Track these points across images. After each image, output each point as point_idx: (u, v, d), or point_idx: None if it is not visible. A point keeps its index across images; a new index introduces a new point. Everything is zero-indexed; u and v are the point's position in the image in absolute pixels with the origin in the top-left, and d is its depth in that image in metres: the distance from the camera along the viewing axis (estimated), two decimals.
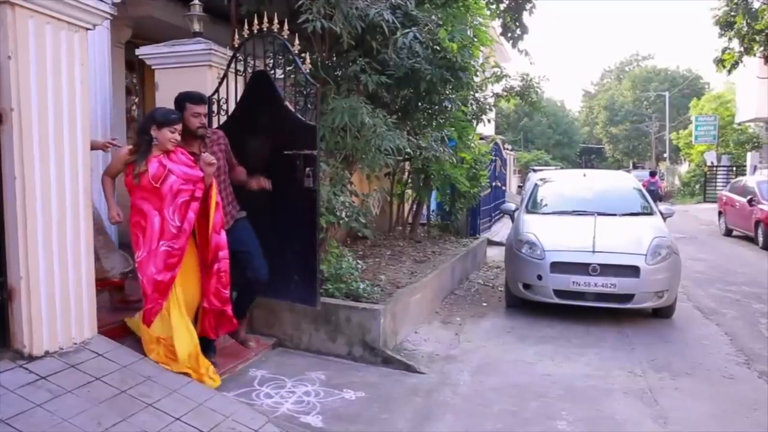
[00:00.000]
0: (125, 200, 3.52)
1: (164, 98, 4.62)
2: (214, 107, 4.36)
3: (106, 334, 3.35)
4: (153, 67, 4.73)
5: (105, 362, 3.03)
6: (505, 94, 8.66)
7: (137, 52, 4.79)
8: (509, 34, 9.81)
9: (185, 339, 3.37)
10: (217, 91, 4.34)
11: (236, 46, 4.21)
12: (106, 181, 3.52)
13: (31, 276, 2.84)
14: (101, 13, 3.17)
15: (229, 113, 4.32)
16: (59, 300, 2.99)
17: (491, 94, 8.78)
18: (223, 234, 3.50)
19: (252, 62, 4.22)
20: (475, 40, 6.38)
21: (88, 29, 3.14)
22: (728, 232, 13.04)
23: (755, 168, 20.90)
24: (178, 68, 4.56)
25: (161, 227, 3.31)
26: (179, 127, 3.39)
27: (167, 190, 3.32)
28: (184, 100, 3.61)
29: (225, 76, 4.28)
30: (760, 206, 11.09)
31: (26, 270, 2.83)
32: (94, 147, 3.75)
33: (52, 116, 2.92)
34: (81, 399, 2.66)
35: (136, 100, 7.42)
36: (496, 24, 10.05)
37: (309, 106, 4.02)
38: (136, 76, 7.31)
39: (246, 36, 4.11)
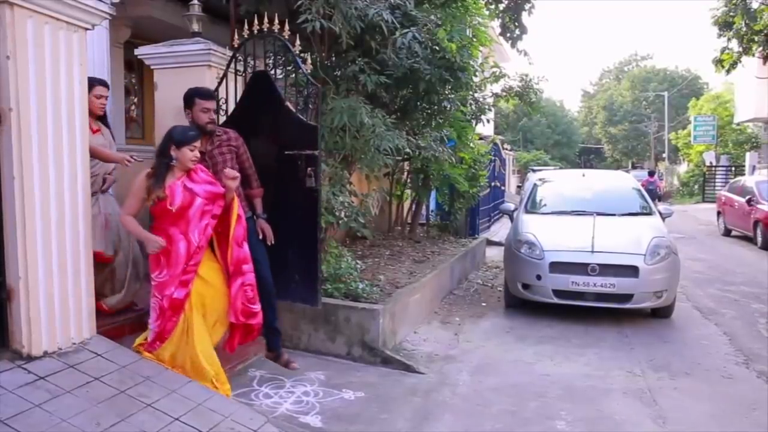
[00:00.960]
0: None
1: (163, 98, 4.63)
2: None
3: (105, 334, 3.34)
4: (152, 67, 4.73)
5: (104, 362, 3.03)
6: (504, 94, 8.67)
7: (136, 52, 4.79)
8: (508, 35, 9.82)
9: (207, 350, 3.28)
10: (216, 91, 4.33)
11: (236, 46, 4.21)
12: (128, 221, 3.25)
13: (30, 276, 2.84)
14: (100, 13, 3.17)
15: (229, 113, 4.31)
16: (58, 300, 2.98)
17: (490, 94, 8.77)
18: (246, 247, 3.39)
19: (252, 62, 4.21)
20: (474, 40, 6.38)
21: (87, 29, 3.14)
22: (727, 232, 13.05)
23: (754, 168, 20.96)
24: (177, 68, 4.56)
25: (187, 251, 3.19)
26: (198, 144, 3.28)
27: (193, 214, 3.21)
28: (193, 95, 3.60)
29: (224, 76, 4.28)
30: (758, 206, 11.11)
31: (25, 270, 2.82)
32: (111, 159, 3.70)
33: (51, 116, 2.92)
34: (80, 399, 2.66)
35: (135, 100, 7.42)
36: (495, 24, 10.06)
37: (310, 106, 4.01)
38: (135, 76, 7.31)
39: (246, 36, 4.10)
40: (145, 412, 2.73)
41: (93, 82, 3.65)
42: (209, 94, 3.65)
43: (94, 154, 3.55)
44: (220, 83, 4.31)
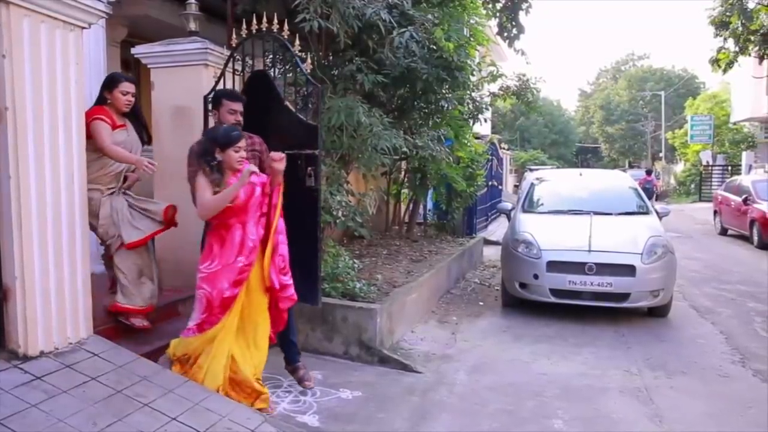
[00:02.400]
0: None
1: (160, 97, 4.62)
2: (211, 106, 4.35)
3: (102, 333, 3.33)
4: (148, 66, 4.71)
5: (101, 362, 3.02)
6: (501, 93, 8.68)
7: (133, 51, 4.77)
8: (505, 34, 9.80)
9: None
10: (213, 90, 4.32)
11: (234, 45, 4.20)
12: (209, 212, 3.17)
13: (27, 276, 2.83)
14: (96, 12, 3.16)
15: None
16: (55, 300, 2.98)
17: (488, 94, 8.79)
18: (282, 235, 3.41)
19: (250, 62, 4.21)
20: (472, 39, 6.39)
21: (83, 28, 3.13)
22: (723, 232, 13.09)
23: (750, 167, 21.02)
24: (173, 67, 4.55)
25: (241, 241, 3.19)
26: (243, 144, 3.24)
27: (251, 206, 3.23)
28: (220, 96, 3.61)
29: (222, 75, 4.27)
30: (755, 205, 11.14)
31: (21, 270, 2.81)
32: (124, 159, 3.58)
33: (48, 115, 2.91)
34: (76, 399, 2.65)
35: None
36: (493, 23, 10.06)
37: (310, 105, 4.01)
38: (132, 75, 7.28)
39: (244, 35, 4.09)
40: (142, 412, 2.72)
41: (119, 78, 3.64)
42: (237, 96, 3.63)
43: (107, 152, 3.49)
44: (217, 82, 4.29)
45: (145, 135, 3.89)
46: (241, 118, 3.60)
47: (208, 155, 3.16)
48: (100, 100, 3.64)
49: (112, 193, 3.62)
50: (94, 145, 3.45)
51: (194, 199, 3.28)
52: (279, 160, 3.27)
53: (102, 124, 3.49)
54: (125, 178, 3.74)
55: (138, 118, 3.82)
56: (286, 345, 3.73)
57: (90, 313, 3.23)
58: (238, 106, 3.59)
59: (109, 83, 3.64)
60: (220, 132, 3.24)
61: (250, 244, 3.22)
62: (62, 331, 3.02)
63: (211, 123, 3.98)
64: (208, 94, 4.32)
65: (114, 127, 3.56)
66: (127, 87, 3.63)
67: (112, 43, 6.16)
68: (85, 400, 2.67)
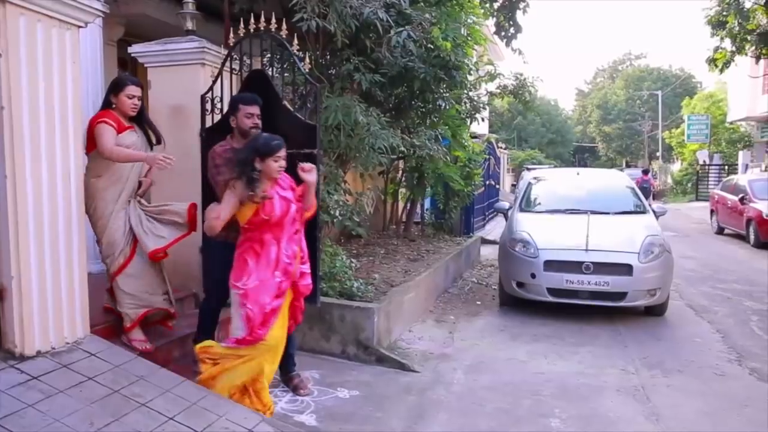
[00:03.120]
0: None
1: (157, 96, 4.61)
2: (208, 106, 4.34)
3: (98, 333, 3.33)
4: (145, 66, 4.70)
5: (98, 362, 3.01)
6: (498, 92, 8.69)
7: (129, 50, 4.76)
8: (503, 33, 9.81)
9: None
10: (210, 89, 4.31)
11: (231, 44, 4.19)
12: (219, 226, 3.09)
13: (23, 275, 2.82)
14: (93, 11, 3.15)
15: (224, 112, 4.29)
16: (51, 299, 2.97)
17: (485, 93, 8.79)
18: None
19: (248, 61, 4.20)
20: (469, 38, 6.39)
21: (79, 27, 3.12)
22: (720, 231, 13.12)
23: (746, 167, 21.08)
24: (170, 66, 4.54)
25: (276, 258, 3.13)
26: (283, 153, 3.16)
27: (287, 221, 3.17)
28: (236, 101, 3.58)
29: (219, 74, 4.26)
30: (751, 205, 11.17)
31: (18, 269, 2.80)
32: (132, 158, 3.49)
33: (44, 115, 2.90)
34: (73, 399, 2.65)
35: None
36: (490, 23, 10.06)
37: (308, 105, 4.00)
38: (129, 74, 7.27)
39: (242, 34, 4.09)
40: (139, 411, 2.72)
41: (125, 81, 3.55)
42: (252, 99, 3.59)
43: (111, 154, 3.37)
44: (214, 82, 4.29)
45: (153, 136, 3.76)
46: (258, 121, 3.56)
47: (248, 165, 3.05)
48: (106, 104, 3.55)
49: (126, 203, 3.52)
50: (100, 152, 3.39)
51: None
52: (309, 170, 3.18)
53: (105, 126, 3.38)
54: (139, 185, 3.65)
55: (144, 121, 3.70)
56: (284, 357, 3.72)
57: (87, 313, 3.22)
58: (255, 109, 3.55)
59: (115, 86, 3.54)
60: (261, 141, 3.14)
61: (286, 260, 3.16)
62: (59, 330, 3.01)
63: (205, 122, 3.97)
64: (206, 93, 4.31)
65: (121, 129, 3.45)
66: (134, 90, 3.53)
67: (109, 42, 6.15)
68: (82, 400, 2.66)
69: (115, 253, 3.49)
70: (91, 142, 3.42)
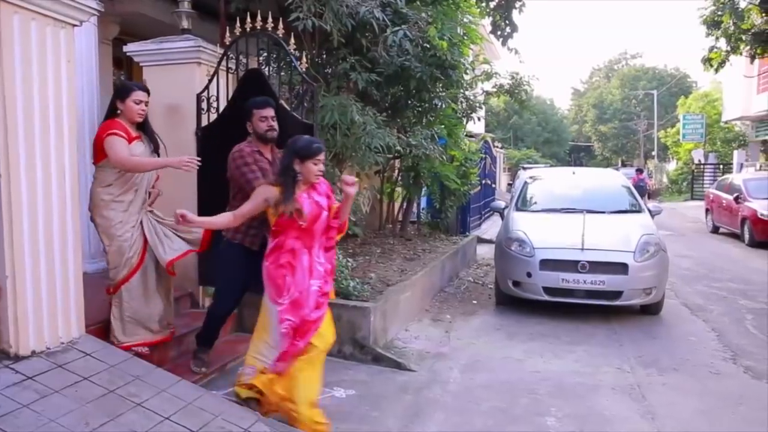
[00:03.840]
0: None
1: (152, 95, 4.56)
2: (203, 105, 4.33)
3: (94, 333, 3.32)
4: (141, 65, 4.69)
5: (93, 362, 3.00)
6: (494, 91, 8.70)
7: (125, 49, 4.74)
8: (499, 32, 9.83)
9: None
10: (206, 88, 4.31)
11: (227, 43, 4.19)
12: (236, 220, 3.09)
13: (18, 275, 2.81)
14: (88, 10, 3.13)
15: (220, 111, 4.28)
16: (46, 299, 2.96)
17: (481, 92, 8.80)
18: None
19: (244, 60, 4.19)
20: (465, 38, 6.39)
21: (74, 26, 3.11)
22: (715, 230, 13.17)
23: (741, 166, 21.14)
24: (166, 65, 4.53)
25: (309, 265, 3.06)
26: (323, 157, 3.11)
27: (317, 228, 3.08)
28: (250, 106, 3.54)
29: (215, 73, 4.25)
30: (746, 204, 11.21)
31: (12, 269, 2.79)
32: (156, 166, 3.45)
33: (38, 114, 2.89)
34: (68, 399, 2.64)
35: None
36: (486, 22, 10.07)
37: (305, 104, 4.00)
38: (124, 73, 7.24)
39: (238, 34, 4.08)
40: (135, 411, 2.71)
41: (131, 87, 3.48)
42: (265, 102, 3.58)
43: (128, 166, 3.34)
44: (210, 81, 4.28)
45: (157, 145, 3.68)
46: (274, 123, 3.54)
47: (289, 169, 3.00)
48: (112, 111, 3.48)
49: (136, 214, 3.46)
50: (112, 163, 3.34)
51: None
52: (351, 184, 3.11)
53: (116, 138, 3.32)
54: (148, 195, 3.60)
55: (147, 127, 3.62)
56: None
57: (82, 313, 3.21)
58: (269, 112, 3.53)
59: (121, 92, 3.47)
60: (300, 144, 3.07)
61: (320, 269, 3.10)
62: (54, 330, 3.00)
63: (200, 121, 3.95)
64: (201, 92, 4.31)
65: (130, 140, 3.38)
66: (140, 96, 3.46)
67: (104, 41, 6.12)
68: (77, 399, 2.65)
69: (120, 264, 3.43)
70: (100, 153, 3.36)
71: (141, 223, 3.49)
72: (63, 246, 3.06)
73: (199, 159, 3.48)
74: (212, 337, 3.77)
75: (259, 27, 3.99)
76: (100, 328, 3.52)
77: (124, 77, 7.26)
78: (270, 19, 3.99)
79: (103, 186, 3.39)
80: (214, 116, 4.33)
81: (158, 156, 3.62)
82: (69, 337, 3.09)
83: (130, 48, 4.68)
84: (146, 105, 3.50)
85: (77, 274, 3.18)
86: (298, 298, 3.02)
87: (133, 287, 3.47)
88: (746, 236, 11.06)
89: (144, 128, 3.57)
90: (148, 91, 3.55)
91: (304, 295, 3.03)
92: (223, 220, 3.13)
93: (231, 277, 3.56)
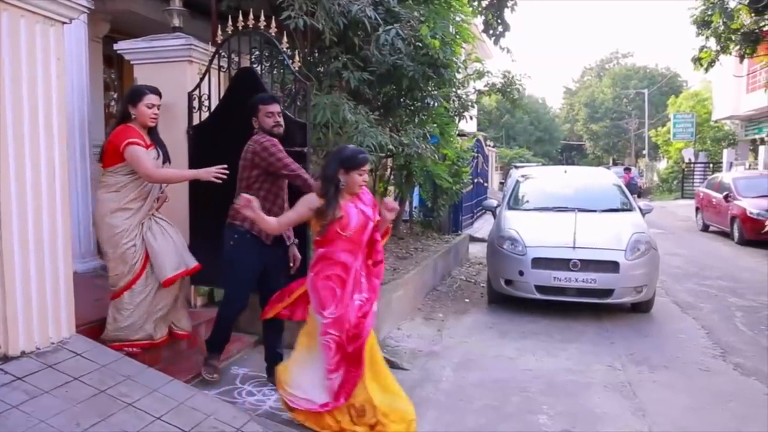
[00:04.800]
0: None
1: None
2: (195, 103, 4.31)
3: (85, 333, 3.29)
4: (132, 63, 4.65)
5: (83, 362, 2.98)
6: (486, 90, 8.71)
7: (115, 47, 4.71)
8: (491, 31, 9.84)
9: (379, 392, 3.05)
10: (198, 87, 4.28)
11: (219, 41, 4.17)
12: (280, 227, 3.06)
13: (7, 275, 2.78)
14: (78, 7, 3.11)
15: (212, 110, 4.27)
16: (36, 299, 2.93)
17: (473, 91, 8.81)
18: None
19: (236, 59, 4.18)
20: (457, 36, 6.39)
21: (64, 23, 3.08)
22: (705, 228, 13.27)
23: (731, 165, 21.31)
24: (157, 63, 4.49)
25: (355, 278, 3.01)
26: (368, 167, 3.07)
27: (364, 238, 3.04)
28: (256, 102, 3.50)
29: (207, 71, 4.23)
30: (735, 202, 11.30)
31: (1, 269, 2.76)
32: (184, 178, 3.41)
33: (27, 112, 2.86)
34: (58, 399, 2.62)
35: (115, 95, 7.31)
36: (478, 21, 10.08)
37: (298, 103, 3.99)
38: (115, 71, 7.20)
39: (230, 32, 4.06)
40: (126, 411, 2.69)
41: (143, 90, 3.38)
42: (271, 98, 3.55)
43: (157, 179, 3.28)
44: (202, 79, 4.26)
45: (164, 154, 3.57)
46: (280, 119, 3.52)
47: (333, 178, 2.95)
48: (124, 116, 3.40)
49: (144, 219, 3.41)
50: (126, 170, 3.28)
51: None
52: (391, 210, 3.09)
53: (140, 149, 3.25)
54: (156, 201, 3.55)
55: (155, 134, 3.54)
56: (273, 357, 3.72)
57: (72, 313, 3.18)
58: (275, 108, 3.50)
59: (133, 96, 3.39)
60: (346, 154, 3.03)
61: (363, 281, 3.05)
62: (44, 330, 2.98)
63: (192, 120, 3.92)
64: (193, 90, 4.29)
65: (146, 147, 3.33)
66: (153, 99, 3.39)
67: (95, 39, 6.08)
68: (67, 400, 2.64)
69: (125, 271, 3.36)
70: (111, 157, 3.30)
71: (144, 227, 3.41)
72: (53, 245, 3.04)
73: (226, 167, 3.40)
74: (224, 341, 3.68)
75: (251, 25, 3.98)
76: (91, 328, 3.50)
77: (115, 76, 7.22)
78: (262, 18, 3.98)
79: (111, 191, 3.31)
80: (205, 115, 4.31)
81: (168, 163, 3.56)
82: (59, 337, 3.06)
83: (120, 46, 4.64)
84: (158, 109, 3.42)
85: (67, 274, 3.15)
86: (344, 313, 2.95)
87: (135, 293, 3.40)
88: (736, 234, 11.15)
89: (152, 134, 3.49)
90: (160, 94, 3.47)
91: (350, 309, 2.96)
92: (270, 223, 3.06)
93: (243, 269, 3.47)
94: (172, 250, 3.46)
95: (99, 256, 4.97)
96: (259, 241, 3.44)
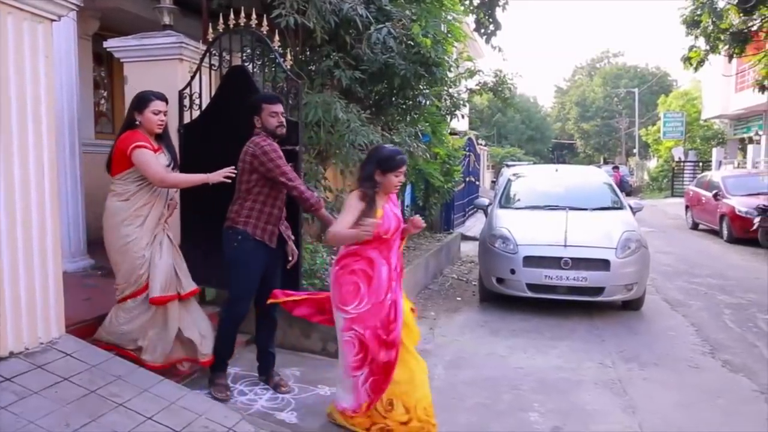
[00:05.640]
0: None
1: (133, 92, 4.50)
2: (186, 102, 4.29)
3: (75, 333, 3.27)
4: (121, 60, 4.63)
5: (73, 362, 2.96)
6: (478, 89, 8.73)
7: (105, 44, 4.68)
8: (482, 30, 9.86)
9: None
10: (189, 85, 4.26)
11: (210, 40, 4.15)
12: (340, 233, 2.94)
13: None
14: (66, 4, 3.08)
15: (203, 108, 4.24)
16: (24, 299, 2.91)
17: (465, 90, 8.82)
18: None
19: (228, 57, 4.16)
20: (449, 35, 6.40)
21: (52, 20, 3.05)
22: (695, 226, 13.37)
23: (720, 163, 21.50)
24: (147, 61, 4.48)
25: (388, 277, 2.99)
26: (404, 169, 3.05)
27: (394, 239, 3.05)
28: (259, 101, 3.44)
29: (198, 70, 4.21)
30: (724, 200, 11.40)
31: None
32: (195, 182, 3.32)
33: (15, 111, 2.83)
34: (48, 400, 2.60)
35: (105, 93, 7.26)
36: (470, 20, 10.10)
37: (290, 102, 3.98)
38: (104, 69, 7.15)
39: (222, 30, 4.04)
40: (117, 411, 2.68)
41: (149, 96, 3.32)
42: (276, 98, 3.51)
43: (167, 183, 3.24)
44: (192, 77, 4.24)
45: (174, 158, 3.51)
46: (283, 119, 3.47)
47: (370, 180, 2.96)
48: (130, 124, 3.32)
49: (156, 230, 3.32)
50: (135, 176, 3.22)
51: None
52: (418, 228, 3.13)
53: (147, 152, 3.18)
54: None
55: (165, 138, 3.46)
56: (265, 356, 3.71)
57: (62, 312, 3.16)
58: (279, 108, 3.45)
59: (138, 103, 3.31)
60: (384, 155, 3.01)
61: (394, 282, 3.04)
62: (33, 331, 2.95)
63: (183, 118, 3.89)
64: (183, 89, 4.27)
65: (154, 152, 3.26)
66: (159, 105, 3.32)
67: (84, 36, 6.04)
68: (57, 401, 2.62)
69: (131, 282, 3.29)
70: (119, 164, 3.23)
71: (157, 241, 3.33)
72: (42, 245, 3.01)
73: (234, 168, 3.36)
74: (228, 354, 3.60)
75: (242, 23, 3.96)
76: (81, 327, 3.48)
77: (105, 73, 7.17)
78: (253, 16, 3.96)
79: (122, 199, 3.24)
80: (196, 113, 4.29)
81: (177, 168, 3.51)
82: (48, 338, 3.04)
83: (110, 44, 4.61)
84: (165, 115, 3.36)
85: (57, 273, 3.13)
86: (370, 309, 2.94)
87: (138, 303, 3.31)
88: (725, 233, 11.24)
89: (163, 139, 3.42)
90: (166, 100, 3.40)
91: (377, 307, 2.95)
92: (333, 229, 3.01)
93: (248, 270, 3.41)
94: (170, 271, 3.36)
95: (89, 256, 4.95)
96: (262, 244, 3.42)
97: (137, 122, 3.30)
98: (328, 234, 3.04)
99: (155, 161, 3.23)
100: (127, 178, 3.24)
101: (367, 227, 2.82)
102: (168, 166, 3.38)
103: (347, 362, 3.02)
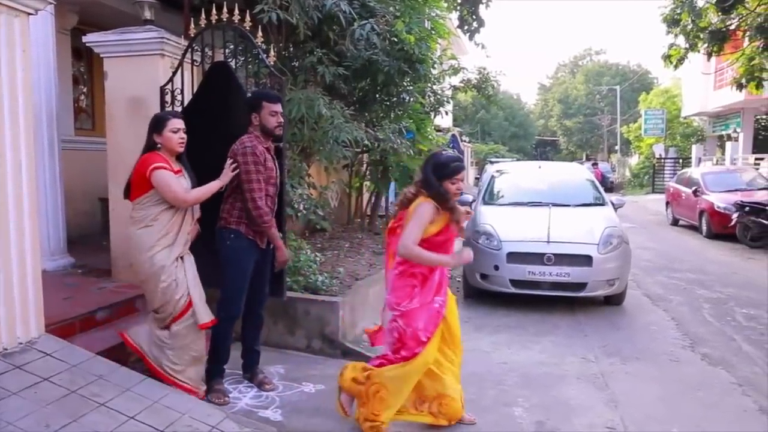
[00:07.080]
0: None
1: (114, 88, 4.48)
2: (167, 98, 4.24)
3: (55, 332, 3.22)
4: (101, 56, 4.55)
5: (53, 362, 2.92)
6: (462, 86, 8.75)
7: (84, 39, 4.60)
8: (466, 27, 9.89)
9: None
10: (170, 81, 4.21)
11: (192, 35, 4.10)
12: (420, 251, 2.92)
13: None
14: None
15: (185, 105, 4.20)
16: (2, 299, 2.86)
17: (449, 87, 8.84)
18: None
19: (210, 53, 4.11)
20: (433, 32, 6.41)
21: (29, 14, 3.00)
22: (675, 222, 13.56)
23: (700, 160, 21.84)
24: (128, 57, 4.41)
25: (440, 281, 3.05)
26: (463, 175, 3.04)
27: (452, 242, 3.09)
28: (260, 98, 3.39)
29: (180, 65, 4.16)
30: (703, 197, 11.57)
31: None
32: (214, 188, 3.26)
33: None
34: (27, 401, 2.56)
35: (85, 89, 7.15)
36: (453, 17, 10.12)
37: None
38: (84, 64, 7.04)
39: (204, 25, 3.99)
40: (98, 411, 2.65)
41: (166, 116, 3.24)
42: (277, 97, 3.47)
43: (189, 202, 3.18)
44: (174, 73, 4.19)
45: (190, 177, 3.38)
46: (282, 120, 3.44)
47: (431, 185, 2.94)
48: (151, 146, 3.21)
49: (179, 254, 3.22)
50: (155, 200, 3.13)
51: None
52: (467, 216, 3.15)
53: (167, 173, 3.11)
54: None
55: (183, 159, 3.35)
56: (250, 354, 3.69)
57: (41, 312, 3.11)
58: (279, 107, 3.42)
59: (157, 125, 3.21)
60: (441, 160, 3.00)
61: (444, 287, 3.10)
62: (11, 331, 2.91)
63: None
64: (165, 84, 4.21)
65: (175, 174, 3.18)
66: (177, 123, 3.22)
67: (62, 31, 5.93)
68: (36, 401, 2.58)
69: (168, 308, 3.20)
70: (138, 189, 3.14)
71: (186, 263, 3.26)
72: (20, 243, 2.96)
73: (233, 162, 3.33)
74: (225, 358, 3.53)
75: (224, 19, 3.92)
76: (61, 327, 3.43)
77: (84, 69, 7.05)
78: (236, 11, 3.92)
79: (143, 226, 3.14)
80: (178, 109, 4.23)
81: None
82: (27, 337, 2.99)
83: (90, 38, 4.54)
84: (185, 132, 3.27)
85: (35, 273, 3.08)
86: (417, 309, 2.98)
87: (181, 328, 3.24)
88: (704, 228, 11.41)
89: (182, 161, 3.33)
90: (182, 118, 3.32)
91: (425, 308, 2.98)
92: (416, 251, 2.98)
93: (241, 268, 3.38)
94: (201, 288, 3.33)
95: (69, 254, 4.88)
96: (254, 243, 3.40)
97: (158, 145, 3.21)
98: (404, 249, 2.95)
99: (175, 181, 3.14)
100: (147, 202, 3.14)
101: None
102: (188, 187, 3.29)
103: (384, 349, 3.12)
